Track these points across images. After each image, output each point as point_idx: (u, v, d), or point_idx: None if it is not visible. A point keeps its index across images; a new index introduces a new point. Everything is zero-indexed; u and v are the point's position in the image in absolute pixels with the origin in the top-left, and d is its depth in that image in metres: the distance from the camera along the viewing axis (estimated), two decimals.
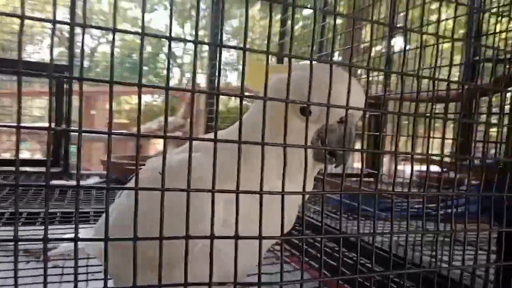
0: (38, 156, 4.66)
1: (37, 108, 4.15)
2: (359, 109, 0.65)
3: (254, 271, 0.96)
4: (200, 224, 0.71)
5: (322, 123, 0.77)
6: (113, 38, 0.52)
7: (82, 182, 2.56)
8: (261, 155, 0.63)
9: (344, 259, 1.35)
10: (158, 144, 6.88)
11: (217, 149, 0.62)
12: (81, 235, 1.19)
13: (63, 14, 3.58)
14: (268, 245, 1.00)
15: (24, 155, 4.72)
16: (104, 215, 1.14)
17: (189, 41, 0.59)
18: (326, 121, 0.66)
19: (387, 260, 0.71)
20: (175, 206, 0.69)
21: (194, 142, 0.59)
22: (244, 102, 0.66)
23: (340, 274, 0.69)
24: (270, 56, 0.64)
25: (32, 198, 2.15)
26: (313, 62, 0.64)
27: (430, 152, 0.71)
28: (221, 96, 0.62)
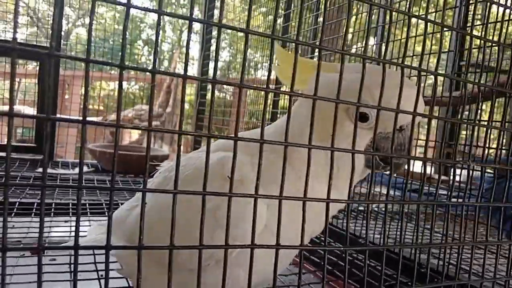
0: (5, 141, 4.44)
1: (7, 90, 3.96)
2: (426, 116, 0.61)
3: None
4: (238, 229, 0.68)
5: (378, 130, 0.74)
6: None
7: (70, 171, 2.45)
8: (308, 159, 0.58)
9: (355, 261, 1.34)
10: (133, 132, 6.72)
11: (258, 150, 0.57)
12: (90, 230, 1.11)
13: None
14: (296, 252, 0.96)
15: None
16: (119, 210, 1.06)
17: (183, 17, 0.52)
18: (393, 127, 0.61)
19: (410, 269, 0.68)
20: (213, 210, 0.65)
21: (230, 141, 0.54)
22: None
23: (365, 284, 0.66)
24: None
25: (19, 187, 2.01)
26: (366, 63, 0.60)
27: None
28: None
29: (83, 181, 1.70)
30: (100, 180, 2.33)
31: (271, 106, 2.27)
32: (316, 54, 2.02)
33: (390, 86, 0.62)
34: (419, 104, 0.67)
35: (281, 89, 2.00)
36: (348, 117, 0.74)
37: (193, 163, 0.86)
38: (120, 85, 0.49)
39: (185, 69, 0.51)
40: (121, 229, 0.98)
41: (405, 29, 1.76)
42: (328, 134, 0.61)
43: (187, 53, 0.53)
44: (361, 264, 1.26)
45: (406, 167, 0.70)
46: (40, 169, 2.33)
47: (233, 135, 0.57)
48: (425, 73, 1.08)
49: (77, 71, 5.22)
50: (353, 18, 2.45)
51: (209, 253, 0.75)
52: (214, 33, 3.17)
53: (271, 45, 0.56)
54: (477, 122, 0.93)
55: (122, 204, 1.07)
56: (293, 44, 0.58)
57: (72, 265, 1.21)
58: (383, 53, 0.69)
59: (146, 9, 0.49)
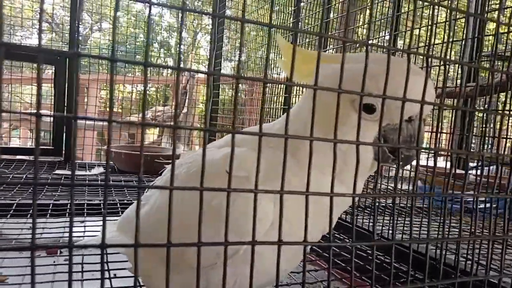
0: (29, 144, 4.56)
1: (28, 95, 4.05)
2: (436, 104, 0.58)
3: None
4: (245, 227, 0.66)
5: (386, 122, 0.71)
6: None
7: (86, 173, 2.48)
8: (309, 151, 0.56)
9: (369, 257, 1.31)
10: (152, 133, 6.80)
11: (265, 147, 0.56)
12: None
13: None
14: (307, 248, 0.95)
15: (15, 143, 4.62)
16: (129, 208, 1.07)
17: (175, 7, 0.51)
18: (400, 117, 0.59)
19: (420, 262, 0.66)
20: (219, 207, 0.64)
21: (238, 137, 0.52)
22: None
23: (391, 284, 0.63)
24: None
25: (38, 190, 2.05)
26: (369, 52, 0.58)
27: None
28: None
29: (99, 182, 1.71)
30: (115, 181, 2.35)
31: (282, 104, 2.24)
32: (328, 48, 1.99)
33: (396, 75, 0.60)
34: (428, 93, 0.65)
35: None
36: (354, 109, 0.71)
37: (199, 160, 0.85)
38: (112, 79, 0.48)
39: (178, 62, 0.50)
40: (129, 228, 0.99)
41: (417, 21, 1.71)
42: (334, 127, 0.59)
43: (180, 43, 0.51)
44: (376, 261, 1.24)
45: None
46: (57, 171, 2.37)
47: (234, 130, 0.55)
48: (435, 62, 1.04)
49: (93, 75, 5.32)
50: (367, 11, 2.40)
51: (215, 251, 0.74)
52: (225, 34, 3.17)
53: (268, 35, 0.54)
54: (491, 110, 0.88)
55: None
56: (305, 40, 0.56)
57: (85, 265, 1.22)
58: (393, 41, 0.66)
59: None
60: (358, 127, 0.58)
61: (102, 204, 1.81)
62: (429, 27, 1.55)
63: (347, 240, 1.51)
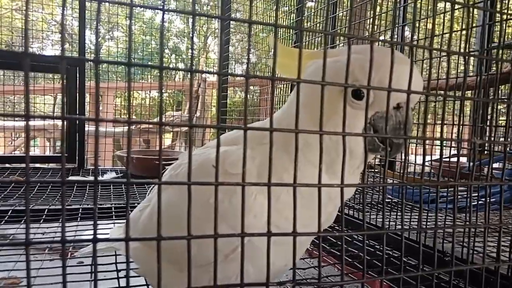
0: (48, 153, 4.66)
1: (43, 105, 4.14)
2: (423, 93, 0.58)
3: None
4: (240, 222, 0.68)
5: (375, 110, 0.71)
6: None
7: (99, 178, 2.53)
8: (295, 144, 0.57)
9: (377, 252, 1.30)
10: (167, 138, 6.91)
11: (259, 144, 0.57)
12: (112, 232, 1.15)
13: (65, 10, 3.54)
14: (307, 244, 0.95)
15: (34, 152, 4.71)
16: (133, 212, 1.09)
17: (155, 8, 0.51)
18: (387, 107, 0.59)
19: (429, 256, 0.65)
20: (217, 205, 0.65)
21: (231, 135, 0.54)
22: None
23: (383, 272, 0.63)
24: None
25: (52, 195, 2.10)
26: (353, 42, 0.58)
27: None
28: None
29: (111, 187, 1.73)
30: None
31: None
32: (336, 44, 1.98)
33: (384, 64, 0.60)
34: (416, 81, 0.65)
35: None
36: (343, 98, 0.72)
37: (196, 159, 0.86)
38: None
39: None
40: (134, 229, 1.01)
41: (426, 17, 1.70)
42: (326, 119, 0.60)
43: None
44: (380, 254, 1.23)
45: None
46: (71, 177, 2.43)
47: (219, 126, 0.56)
48: (437, 53, 1.03)
49: (109, 83, 5.41)
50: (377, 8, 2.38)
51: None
52: (232, 37, 3.18)
53: (274, 34, 0.54)
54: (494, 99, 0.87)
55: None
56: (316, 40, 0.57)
57: (97, 267, 1.24)
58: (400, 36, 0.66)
59: (117, 2, 0.50)
60: (344, 117, 0.58)
61: (114, 208, 1.85)
62: (432, 18, 1.54)
63: (356, 235, 1.50)
